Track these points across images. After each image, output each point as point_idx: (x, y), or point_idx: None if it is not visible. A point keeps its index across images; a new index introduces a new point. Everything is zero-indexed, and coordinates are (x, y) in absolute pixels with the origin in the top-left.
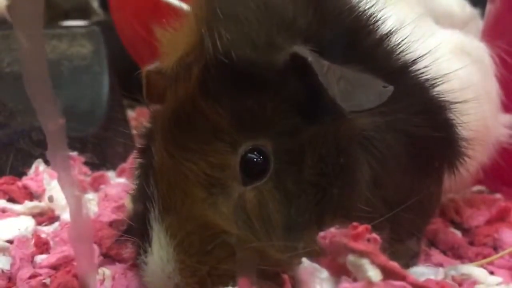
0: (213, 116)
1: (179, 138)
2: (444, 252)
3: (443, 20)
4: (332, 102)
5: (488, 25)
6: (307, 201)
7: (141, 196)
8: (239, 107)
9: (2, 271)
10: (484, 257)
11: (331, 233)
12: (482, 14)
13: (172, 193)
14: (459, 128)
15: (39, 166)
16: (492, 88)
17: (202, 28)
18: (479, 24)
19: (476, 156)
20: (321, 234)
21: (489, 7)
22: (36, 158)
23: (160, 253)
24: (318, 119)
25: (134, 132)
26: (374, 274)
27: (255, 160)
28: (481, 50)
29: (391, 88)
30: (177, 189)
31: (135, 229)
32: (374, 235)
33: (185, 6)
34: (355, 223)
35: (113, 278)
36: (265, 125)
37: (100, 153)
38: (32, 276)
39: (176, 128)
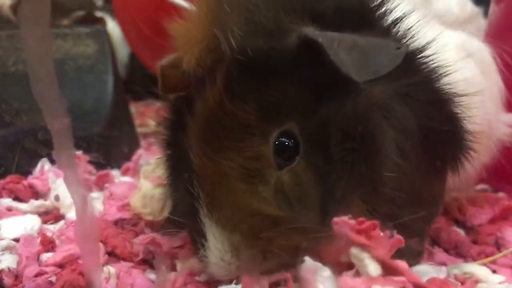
0: (242, 115)
1: (215, 141)
2: (447, 251)
3: (440, 20)
4: (347, 76)
5: (491, 26)
6: (337, 177)
7: (176, 187)
8: (262, 100)
9: (9, 269)
10: (487, 255)
11: (343, 221)
12: (486, 13)
13: (216, 191)
14: (464, 122)
15: (44, 165)
16: (494, 87)
17: (214, 27)
18: (482, 23)
19: (479, 155)
20: (336, 219)
21: (493, 7)
22: (42, 157)
23: (216, 245)
24: (337, 95)
25: (138, 130)
26: (373, 268)
27: (285, 143)
28: (482, 50)
29: (405, 48)
30: (220, 186)
31: (179, 222)
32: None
33: (189, 5)
34: (361, 218)
35: (118, 276)
36: (288, 110)
37: (105, 152)
38: (38, 274)
39: (210, 133)
